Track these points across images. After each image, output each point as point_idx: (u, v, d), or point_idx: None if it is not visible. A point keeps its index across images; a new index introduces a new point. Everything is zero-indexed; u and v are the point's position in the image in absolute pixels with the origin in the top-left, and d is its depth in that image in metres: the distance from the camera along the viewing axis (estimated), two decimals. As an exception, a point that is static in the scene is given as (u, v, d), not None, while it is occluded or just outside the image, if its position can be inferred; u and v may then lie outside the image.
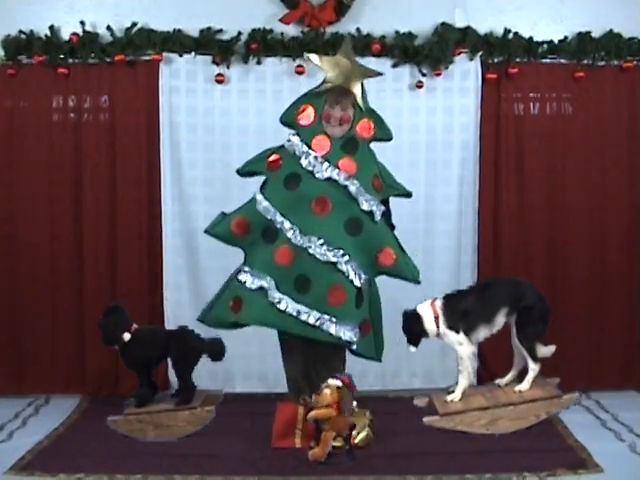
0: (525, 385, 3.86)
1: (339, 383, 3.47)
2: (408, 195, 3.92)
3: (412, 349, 3.89)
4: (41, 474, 3.34)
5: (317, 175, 3.70)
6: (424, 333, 3.86)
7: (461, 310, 3.82)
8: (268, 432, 3.68)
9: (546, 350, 3.90)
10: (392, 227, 3.89)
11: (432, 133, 4.65)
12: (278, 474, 3.31)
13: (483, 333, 3.87)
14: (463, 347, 3.82)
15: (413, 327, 3.86)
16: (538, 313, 3.85)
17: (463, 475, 3.27)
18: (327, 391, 3.43)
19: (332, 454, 3.40)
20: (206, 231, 3.91)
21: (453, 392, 3.88)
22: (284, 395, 4.04)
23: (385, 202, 3.83)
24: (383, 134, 3.87)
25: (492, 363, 4.48)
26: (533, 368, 3.86)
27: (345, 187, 3.69)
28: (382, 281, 3.91)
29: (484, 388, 4.04)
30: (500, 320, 3.87)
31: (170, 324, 4.51)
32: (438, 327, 3.83)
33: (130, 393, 4.08)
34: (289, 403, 3.75)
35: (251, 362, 4.65)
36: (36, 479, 3.31)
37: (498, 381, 4.01)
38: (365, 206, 3.70)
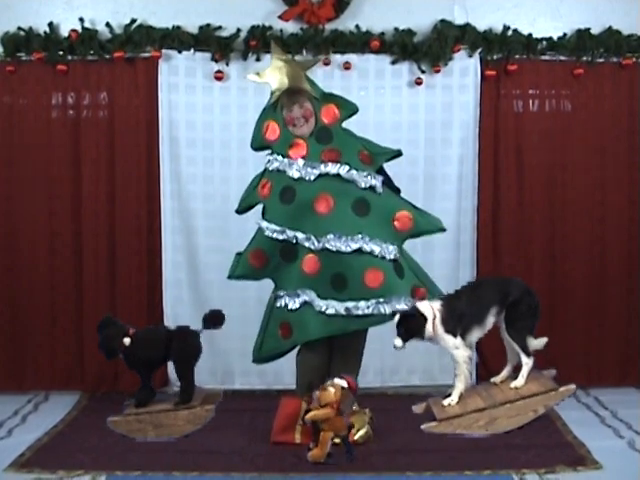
0: (520, 381, 3.84)
1: (344, 383, 3.42)
2: (399, 154, 3.89)
3: (398, 343, 3.65)
4: (40, 471, 3.33)
5: (307, 178, 3.69)
6: (421, 334, 3.72)
7: (457, 314, 3.76)
8: (267, 429, 3.68)
9: (537, 343, 3.87)
10: (398, 190, 3.89)
11: (431, 130, 4.64)
12: (277, 471, 3.30)
13: (476, 335, 3.84)
14: (459, 351, 3.77)
15: (413, 325, 3.67)
16: (526, 307, 3.82)
17: (462, 472, 3.26)
18: (331, 389, 3.38)
19: (331, 454, 3.36)
20: (229, 277, 3.88)
21: (450, 396, 3.85)
22: (284, 392, 4.04)
23: (381, 171, 3.83)
24: (349, 110, 3.87)
25: (491, 361, 4.48)
26: (527, 362, 3.83)
27: (337, 175, 3.69)
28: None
29: (480, 387, 4.01)
30: (491, 320, 3.83)
31: (169, 322, 4.50)
32: (434, 330, 3.73)
33: (129, 390, 4.08)
34: (293, 398, 3.72)
35: (250, 359, 4.63)
36: (35, 476, 3.30)
37: (494, 379, 3.99)
38: (363, 184, 3.70)
